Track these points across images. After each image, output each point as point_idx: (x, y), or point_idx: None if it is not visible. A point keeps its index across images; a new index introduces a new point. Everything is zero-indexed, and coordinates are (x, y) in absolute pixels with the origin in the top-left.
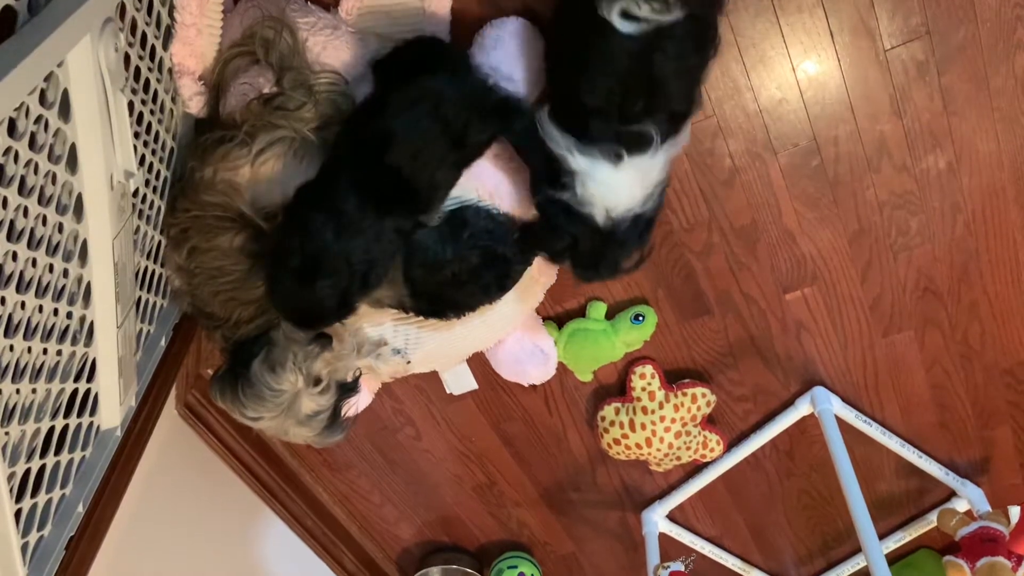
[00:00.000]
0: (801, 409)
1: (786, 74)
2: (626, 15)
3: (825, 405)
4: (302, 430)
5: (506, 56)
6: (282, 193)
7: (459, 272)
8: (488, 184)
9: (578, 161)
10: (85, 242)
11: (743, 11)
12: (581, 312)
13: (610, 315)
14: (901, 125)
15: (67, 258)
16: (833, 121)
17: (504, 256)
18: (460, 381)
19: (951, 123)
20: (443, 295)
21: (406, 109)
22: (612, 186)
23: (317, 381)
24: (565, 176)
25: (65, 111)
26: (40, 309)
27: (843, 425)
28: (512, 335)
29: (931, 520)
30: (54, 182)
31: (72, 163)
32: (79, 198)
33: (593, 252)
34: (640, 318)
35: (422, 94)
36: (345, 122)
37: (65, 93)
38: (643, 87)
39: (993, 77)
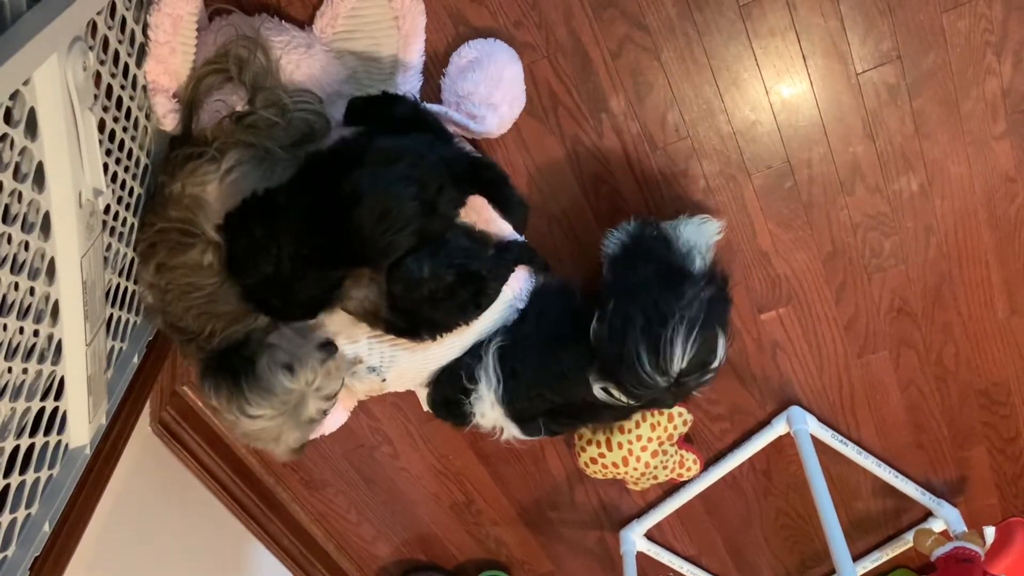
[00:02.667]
0: (777, 428)
1: (759, 97)
2: (605, 391)
3: (801, 425)
4: (295, 435)
5: (485, 78)
6: None
7: (436, 290)
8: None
9: (488, 397)
10: (53, 260)
11: (716, 34)
12: None
13: None
14: (874, 148)
15: (34, 276)
16: (806, 143)
17: (479, 273)
18: None
19: (923, 146)
20: (420, 313)
21: (383, 165)
22: (492, 417)
23: (320, 387)
24: (473, 382)
25: (32, 129)
26: (5, 327)
27: (820, 445)
28: None
29: (908, 540)
30: (20, 200)
31: (39, 181)
32: (46, 216)
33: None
34: None
35: (402, 152)
36: (314, 161)
37: (32, 111)
38: (580, 416)
39: (964, 101)
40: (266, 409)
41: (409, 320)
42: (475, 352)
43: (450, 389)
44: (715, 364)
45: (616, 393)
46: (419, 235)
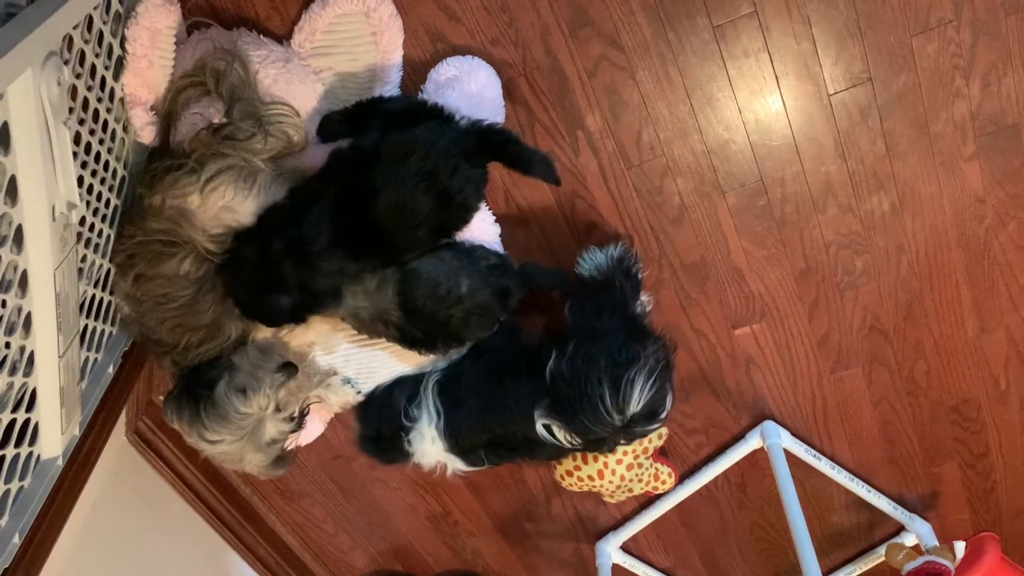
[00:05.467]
0: (751, 443)
1: (733, 116)
2: (546, 428)
3: (774, 439)
4: (258, 456)
5: (463, 97)
6: (233, 219)
7: (473, 308)
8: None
9: (428, 432)
10: (25, 273)
11: (690, 54)
12: None
13: None
14: (846, 167)
15: (6, 289)
16: (779, 162)
17: (509, 289)
18: None
19: (894, 166)
20: (448, 327)
21: (396, 161)
22: (432, 453)
23: (279, 407)
24: (411, 420)
25: (4, 143)
26: None
27: (793, 459)
28: None
29: (880, 554)
30: None
31: (12, 194)
32: (19, 229)
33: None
34: None
35: (413, 146)
36: (337, 160)
37: (4, 126)
38: (517, 450)
39: (933, 123)
40: (224, 435)
41: (427, 332)
42: (408, 389)
43: (385, 426)
44: (663, 415)
45: (557, 432)
46: (437, 230)
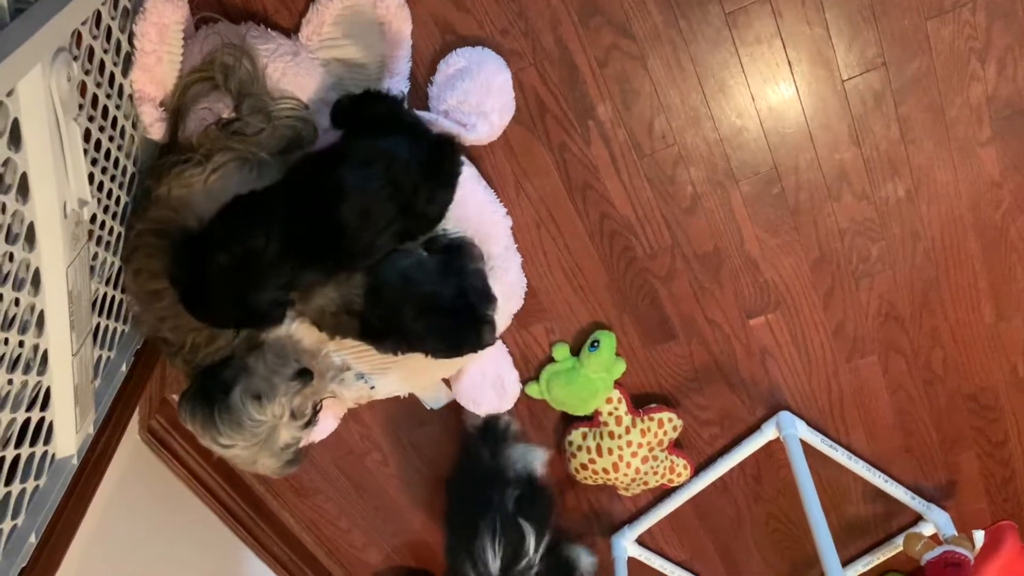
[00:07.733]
0: (767, 434)
1: (746, 103)
2: None
3: (790, 430)
4: (271, 461)
5: (474, 86)
6: None
7: (423, 299)
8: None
9: None
10: (38, 271)
11: (702, 41)
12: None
13: (577, 351)
14: (860, 154)
15: (18, 287)
16: (793, 150)
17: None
18: (437, 396)
19: (909, 152)
20: (400, 319)
21: (361, 166)
22: None
23: (294, 414)
24: None
25: (15, 140)
26: None
27: (809, 449)
28: (475, 364)
29: (898, 544)
30: (4, 211)
31: (23, 192)
32: (31, 227)
33: None
34: (596, 344)
35: (376, 154)
36: (302, 162)
37: (15, 122)
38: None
39: (949, 107)
40: (237, 440)
41: (384, 322)
42: None
43: None
44: (530, 551)
45: None
46: (400, 236)
